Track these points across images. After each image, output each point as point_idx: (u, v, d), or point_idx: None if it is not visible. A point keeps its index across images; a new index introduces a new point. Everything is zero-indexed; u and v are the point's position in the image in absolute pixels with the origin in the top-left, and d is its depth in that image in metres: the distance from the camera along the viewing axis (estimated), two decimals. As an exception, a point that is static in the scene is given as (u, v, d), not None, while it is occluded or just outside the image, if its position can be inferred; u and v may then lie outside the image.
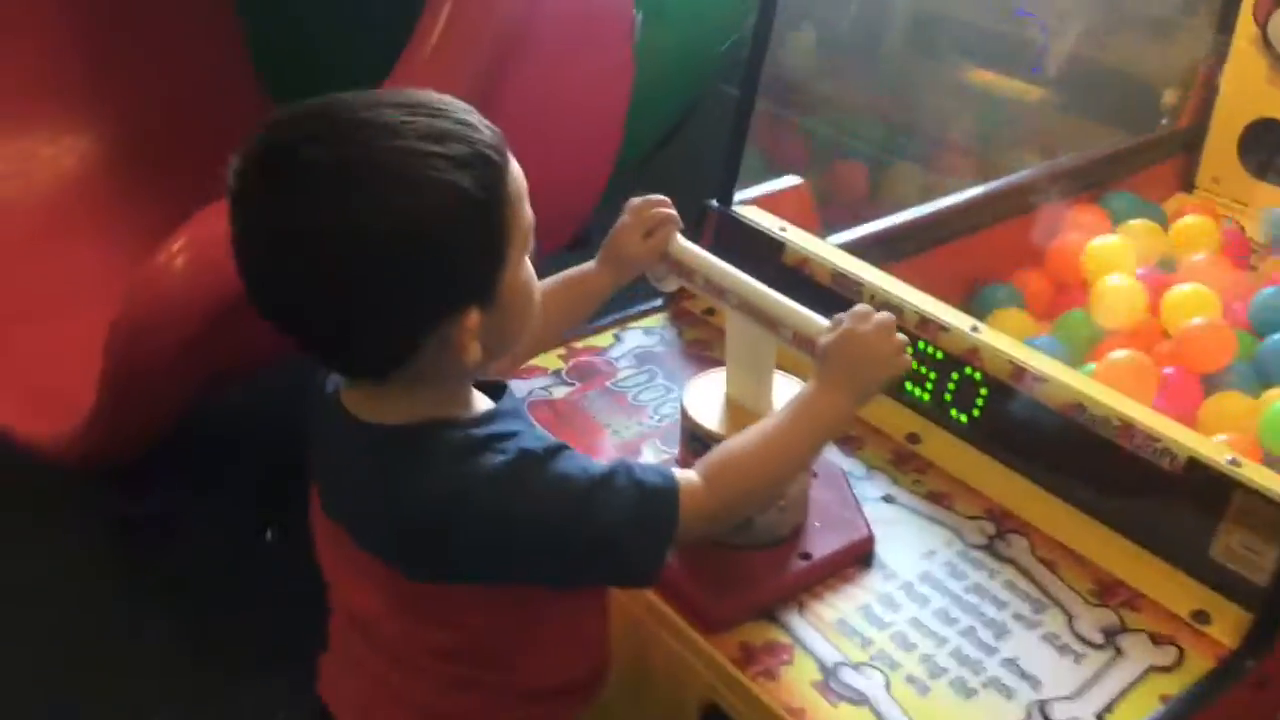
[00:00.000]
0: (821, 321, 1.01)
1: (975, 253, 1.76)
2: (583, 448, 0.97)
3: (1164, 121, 2.15)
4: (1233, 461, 1.09)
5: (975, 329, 1.30)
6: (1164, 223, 1.91)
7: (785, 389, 1.11)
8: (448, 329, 0.79)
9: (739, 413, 1.11)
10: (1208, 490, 1.10)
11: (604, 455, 1.29)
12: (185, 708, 1.65)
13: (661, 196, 1.15)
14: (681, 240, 1.14)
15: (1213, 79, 2.10)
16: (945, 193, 1.83)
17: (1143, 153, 2.12)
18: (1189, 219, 1.89)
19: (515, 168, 0.83)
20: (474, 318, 0.80)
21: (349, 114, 0.77)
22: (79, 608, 1.83)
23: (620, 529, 0.86)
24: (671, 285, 1.17)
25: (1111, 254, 1.69)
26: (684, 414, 1.13)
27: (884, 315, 0.97)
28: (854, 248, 1.54)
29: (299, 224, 0.75)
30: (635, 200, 1.14)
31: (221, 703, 1.65)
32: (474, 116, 0.81)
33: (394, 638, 0.91)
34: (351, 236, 0.74)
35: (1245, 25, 2.02)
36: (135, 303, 1.27)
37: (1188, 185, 2.16)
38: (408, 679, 0.92)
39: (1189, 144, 2.15)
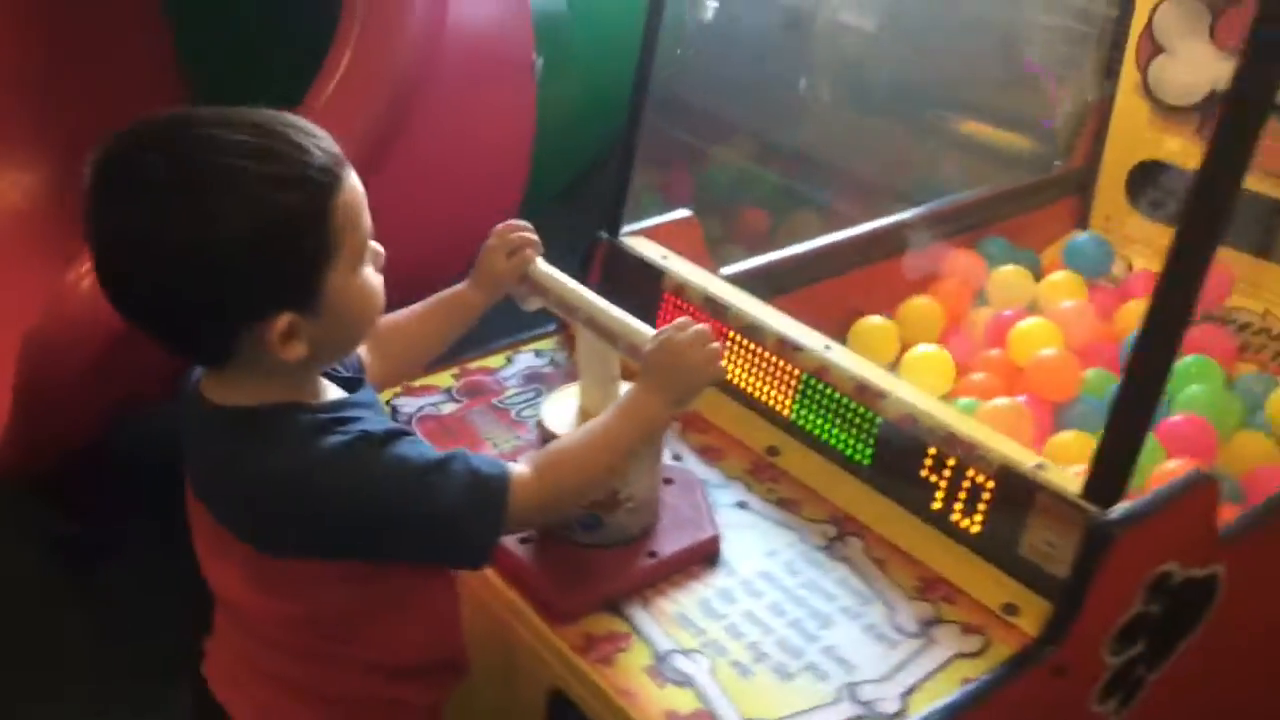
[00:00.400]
0: (648, 332, 1.11)
1: (858, 288, 1.86)
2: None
3: (1057, 163, 2.27)
4: (1038, 466, 1.19)
5: (828, 348, 1.40)
6: (1036, 269, 2.01)
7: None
8: (260, 330, 0.89)
9: (589, 419, 1.20)
10: (1017, 492, 1.20)
11: (482, 465, 1.39)
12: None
13: (524, 222, 1.25)
14: (541, 263, 1.24)
15: (1102, 122, 2.23)
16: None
17: (1038, 192, 2.23)
18: (1057, 275, 1.98)
19: (350, 185, 0.92)
20: (284, 320, 0.89)
21: (193, 128, 0.87)
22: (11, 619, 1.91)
23: (454, 510, 0.94)
24: (534, 305, 1.27)
25: (923, 315, 1.82)
26: (539, 423, 1.22)
27: (700, 326, 1.07)
28: (742, 279, 1.64)
29: (126, 228, 0.85)
30: (500, 225, 1.25)
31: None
32: (311, 140, 0.90)
33: (250, 611, 1.00)
34: (168, 243, 0.84)
35: (1129, 71, 2.14)
36: (45, 319, 1.37)
37: (1083, 223, 2.27)
38: (265, 650, 1.01)
39: (1082, 184, 2.26)
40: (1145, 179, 2.19)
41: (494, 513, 0.97)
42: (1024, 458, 1.21)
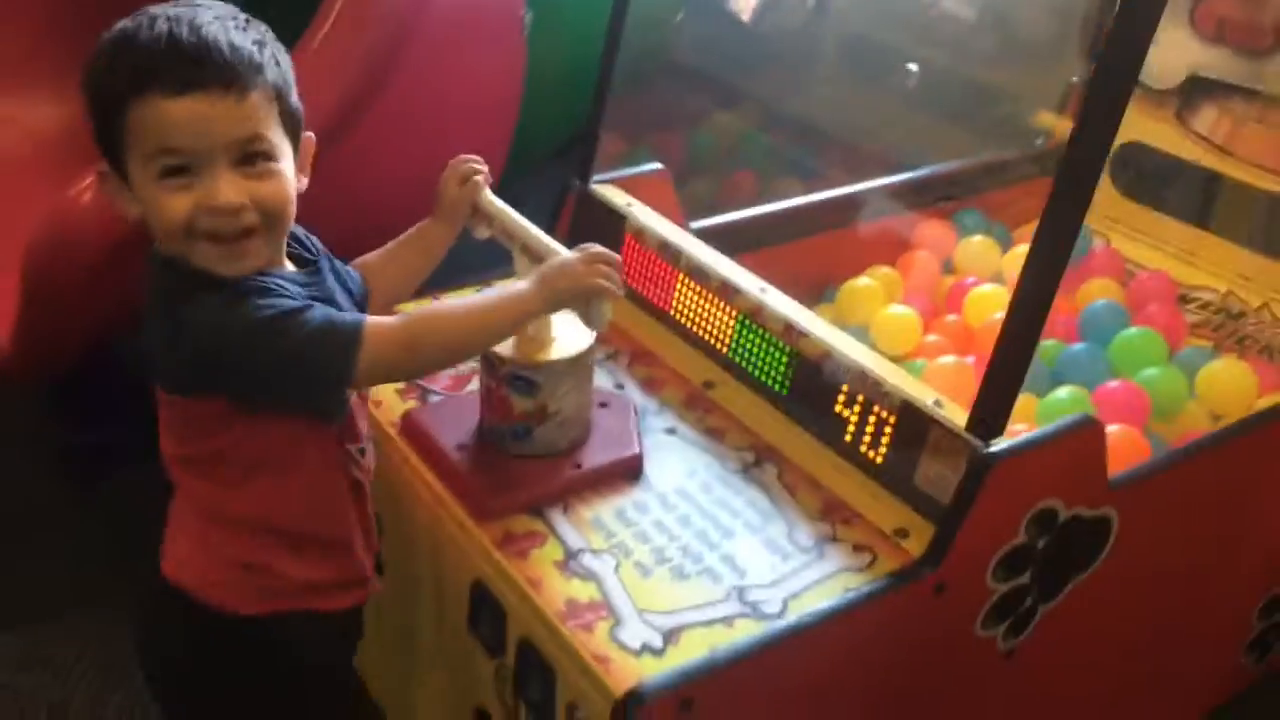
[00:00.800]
0: (563, 252, 1.21)
1: (827, 251, 1.95)
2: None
3: (1039, 141, 2.33)
4: (936, 403, 1.28)
5: (763, 290, 1.50)
6: (1008, 241, 2.08)
7: (565, 322, 1.31)
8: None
9: (525, 340, 1.32)
10: (915, 427, 1.29)
11: (438, 385, 1.51)
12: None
13: (475, 156, 1.36)
14: (488, 194, 1.35)
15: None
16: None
17: (1019, 167, 2.30)
18: (1022, 249, 2.04)
19: (155, 108, 0.99)
20: (103, 165, 1.04)
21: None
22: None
23: (300, 351, 1.01)
24: (483, 233, 1.37)
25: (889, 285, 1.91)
26: (481, 341, 1.33)
27: (597, 250, 1.18)
28: (712, 234, 1.74)
29: None
30: (454, 159, 1.36)
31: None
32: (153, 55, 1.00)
33: (169, 462, 1.12)
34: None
35: (1114, 53, 2.20)
36: (47, 229, 1.50)
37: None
38: (190, 513, 1.14)
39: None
40: (1127, 161, 2.26)
41: (341, 357, 1.02)
42: (924, 395, 1.30)
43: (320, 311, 1.04)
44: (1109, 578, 1.39)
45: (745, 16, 2.43)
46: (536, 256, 1.26)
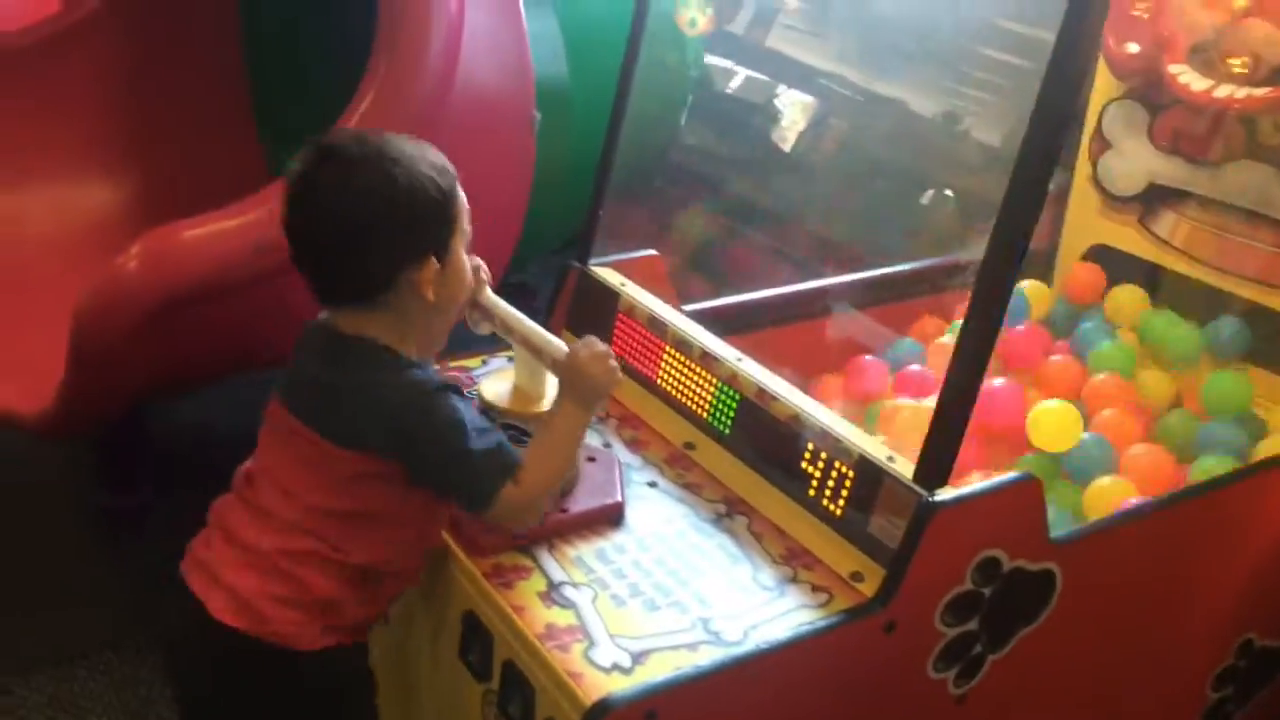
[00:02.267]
0: (564, 347, 1.37)
1: (805, 339, 2.09)
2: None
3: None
4: (889, 458, 1.42)
5: (739, 359, 1.64)
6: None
7: (556, 380, 1.46)
8: (414, 272, 1.27)
9: (519, 393, 1.47)
10: (871, 480, 1.42)
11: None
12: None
13: (476, 256, 1.52)
14: (489, 291, 1.50)
15: (1060, 208, 2.45)
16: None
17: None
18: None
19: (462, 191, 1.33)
20: (433, 265, 1.28)
21: (374, 137, 1.31)
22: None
23: (477, 458, 1.27)
24: (484, 329, 1.51)
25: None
26: (479, 394, 1.48)
27: (601, 347, 1.35)
28: (702, 316, 1.89)
29: (346, 183, 1.26)
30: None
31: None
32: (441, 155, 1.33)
33: (295, 494, 1.30)
34: (375, 194, 1.26)
35: (1083, 163, 2.38)
36: (96, 292, 1.67)
37: (1042, 299, 2.48)
38: (271, 534, 1.30)
39: (1046, 261, 2.48)
40: (1096, 261, 2.41)
41: (500, 473, 1.28)
42: (878, 451, 1.43)
43: (498, 435, 1.30)
44: (1055, 632, 1.49)
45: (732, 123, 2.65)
46: (535, 349, 1.42)
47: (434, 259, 1.28)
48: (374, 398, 1.27)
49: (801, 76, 2.89)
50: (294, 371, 1.35)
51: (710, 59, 2.96)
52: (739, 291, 2.15)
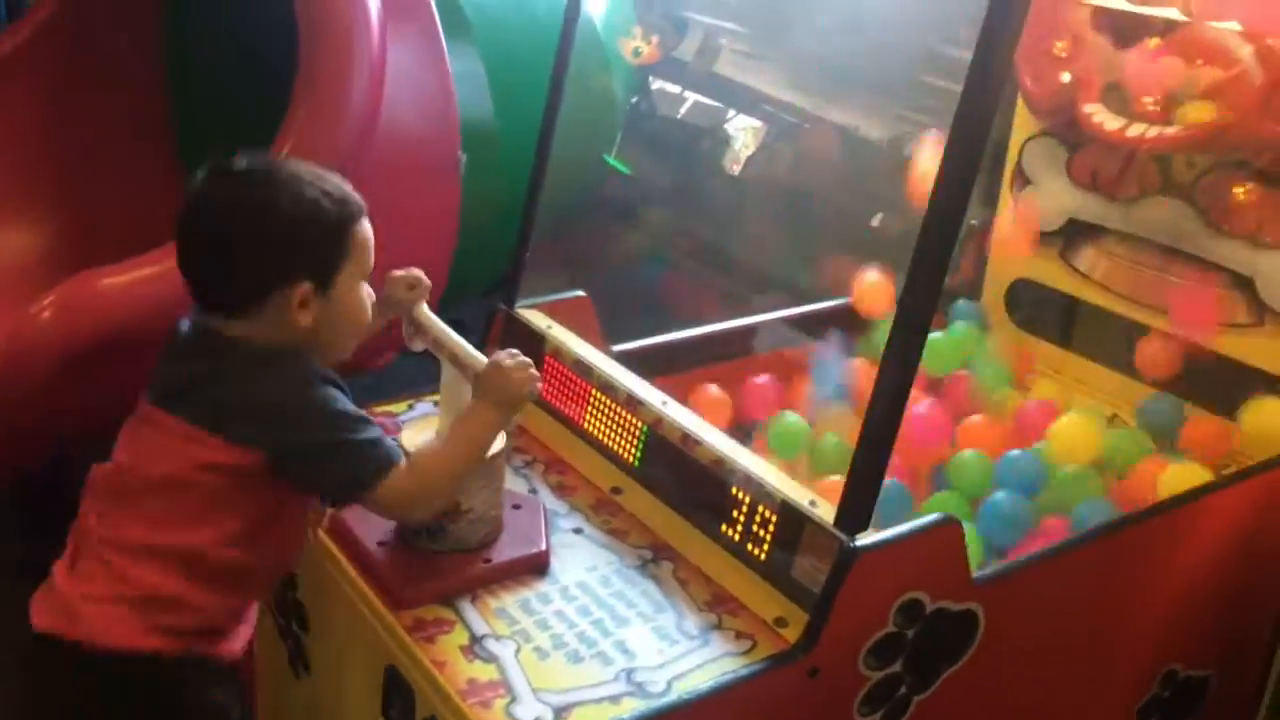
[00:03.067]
0: (483, 360, 1.37)
1: (734, 376, 2.10)
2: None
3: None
4: (811, 502, 1.42)
5: (665, 403, 1.64)
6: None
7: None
8: (287, 292, 1.25)
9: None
10: (793, 525, 1.42)
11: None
12: None
13: (418, 269, 1.51)
14: (424, 307, 1.50)
15: (984, 242, 2.49)
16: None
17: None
18: None
19: (365, 226, 1.31)
20: (305, 288, 1.25)
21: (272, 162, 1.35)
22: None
23: (352, 450, 1.26)
24: (418, 345, 1.52)
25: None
26: (399, 443, 1.46)
27: (520, 357, 1.35)
28: (631, 356, 1.89)
29: (224, 202, 1.28)
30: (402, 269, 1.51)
31: None
32: (349, 186, 1.32)
33: (178, 481, 1.26)
34: (253, 212, 1.26)
35: (1005, 198, 2.42)
36: (9, 341, 1.63)
37: (976, 329, 2.51)
38: (141, 526, 1.27)
39: (969, 295, 2.52)
40: (1019, 295, 2.45)
41: (375, 466, 1.27)
42: (800, 496, 1.44)
43: (377, 432, 1.28)
44: (980, 670, 1.50)
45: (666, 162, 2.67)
46: (462, 365, 1.41)
47: (309, 284, 1.26)
48: (250, 388, 1.26)
49: (750, 102, 2.93)
50: (164, 368, 1.33)
51: (658, 84, 2.98)
52: (672, 329, 2.17)
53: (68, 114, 2.49)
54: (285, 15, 1.92)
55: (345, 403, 1.29)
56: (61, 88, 2.49)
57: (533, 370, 1.36)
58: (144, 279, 1.71)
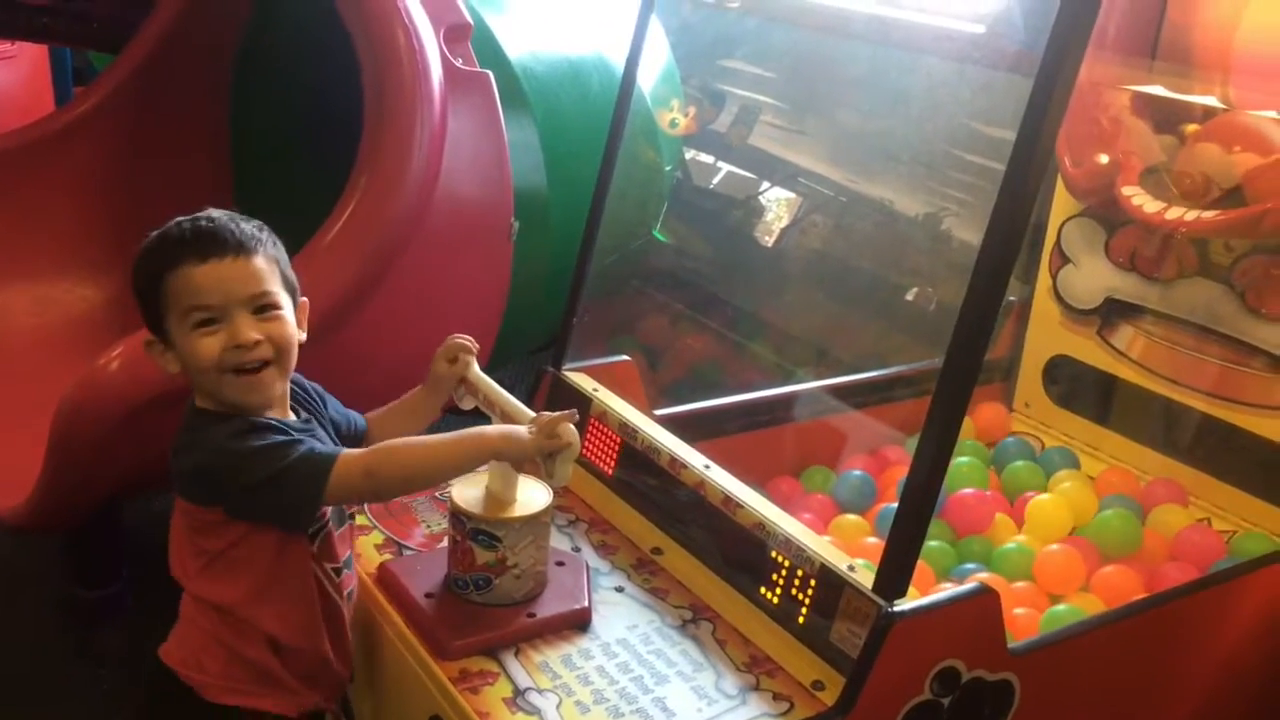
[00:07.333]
0: (531, 416, 1.42)
1: (778, 442, 2.14)
2: (400, 535, 1.61)
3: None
4: (850, 567, 1.45)
5: (707, 467, 1.68)
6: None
7: (528, 485, 1.50)
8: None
9: (490, 499, 1.49)
10: (832, 589, 1.45)
11: (413, 542, 1.68)
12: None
13: (467, 335, 1.57)
14: (476, 368, 1.55)
15: (1022, 319, 2.52)
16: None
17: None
18: None
19: (185, 275, 1.27)
20: (149, 337, 1.31)
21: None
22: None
23: (281, 475, 1.25)
24: (468, 404, 1.57)
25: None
26: (450, 498, 1.51)
27: (567, 423, 1.37)
28: (674, 421, 1.94)
29: None
30: (448, 339, 1.57)
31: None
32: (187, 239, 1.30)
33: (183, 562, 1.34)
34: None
35: (1043, 277, 2.46)
36: (78, 390, 1.70)
37: (1009, 405, 2.54)
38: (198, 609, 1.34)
39: (1008, 371, 2.55)
40: (1057, 371, 2.48)
41: (313, 483, 1.26)
42: (839, 561, 1.46)
43: (306, 445, 1.27)
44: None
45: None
46: (510, 419, 1.45)
47: (153, 336, 1.32)
48: (195, 455, 1.29)
49: (786, 175, 2.99)
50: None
51: (694, 155, 3.06)
52: (713, 395, 2.21)
53: (136, 173, 2.61)
54: (348, 84, 2.02)
55: (270, 436, 1.28)
56: (129, 149, 2.61)
57: (569, 427, 1.36)
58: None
